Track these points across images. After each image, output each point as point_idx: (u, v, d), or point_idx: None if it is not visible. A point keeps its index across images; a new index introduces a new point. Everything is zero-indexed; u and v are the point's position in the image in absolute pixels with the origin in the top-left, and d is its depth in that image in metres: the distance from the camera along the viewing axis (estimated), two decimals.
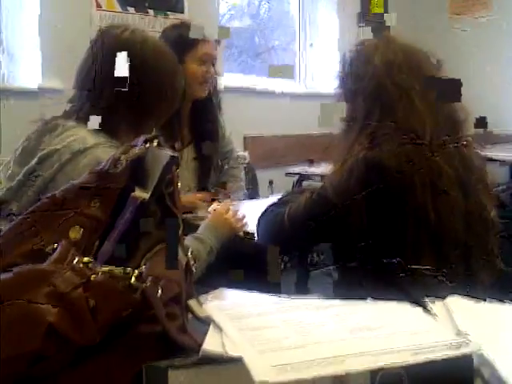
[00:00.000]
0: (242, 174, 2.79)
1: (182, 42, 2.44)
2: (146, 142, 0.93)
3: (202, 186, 2.60)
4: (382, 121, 1.55)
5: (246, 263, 2.15)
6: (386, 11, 5.33)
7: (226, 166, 2.72)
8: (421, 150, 1.52)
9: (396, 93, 1.55)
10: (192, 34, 2.33)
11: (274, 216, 1.72)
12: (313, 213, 1.61)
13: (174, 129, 2.44)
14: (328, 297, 0.91)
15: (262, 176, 3.38)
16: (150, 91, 1.60)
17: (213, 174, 2.65)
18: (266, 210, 1.78)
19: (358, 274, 1.54)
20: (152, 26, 3.78)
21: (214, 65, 2.54)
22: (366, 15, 5.21)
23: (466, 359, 0.67)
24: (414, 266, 1.46)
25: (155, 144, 0.92)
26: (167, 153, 0.89)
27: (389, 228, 1.51)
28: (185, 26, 2.53)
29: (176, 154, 0.92)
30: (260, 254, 2.02)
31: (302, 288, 2.12)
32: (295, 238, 1.69)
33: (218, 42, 2.54)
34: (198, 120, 2.57)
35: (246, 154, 2.84)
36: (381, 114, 1.56)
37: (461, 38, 5.19)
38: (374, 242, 1.51)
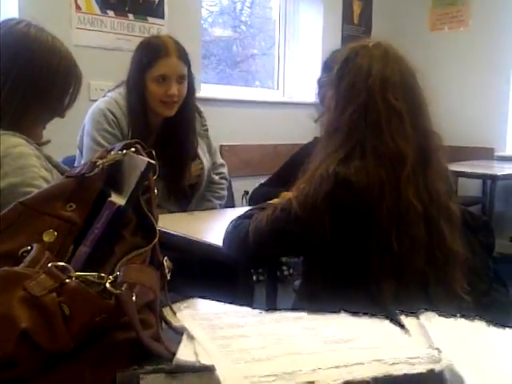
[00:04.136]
0: (223, 192, 2.75)
1: (142, 62, 2.43)
2: (124, 147, 0.93)
3: (179, 207, 2.56)
4: (365, 137, 1.52)
5: (219, 274, 2.16)
6: (369, 22, 5.38)
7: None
8: (395, 178, 1.50)
9: (384, 112, 1.52)
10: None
11: (239, 230, 1.69)
12: (276, 227, 1.59)
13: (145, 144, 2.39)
14: (297, 309, 0.91)
15: (238, 185, 3.39)
16: (33, 86, 1.60)
17: (193, 195, 2.61)
18: (231, 224, 1.76)
19: (325, 287, 1.54)
20: (131, 29, 3.78)
21: (183, 81, 2.46)
22: (349, 23, 5.24)
23: (437, 374, 0.68)
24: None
25: (133, 150, 0.91)
26: (144, 159, 0.89)
27: (351, 247, 1.50)
28: (148, 45, 2.49)
29: (153, 161, 0.92)
30: (233, 265, 2.02)
31: (272, 301, 2.12)
32: (259, 252, 1.67)
33: (182, 58, 2.47)
34: (167, 138, 2.52)
35: (225, 166, 2.81)
36: (364, 130, 1.52)
37: (441, 54, 5.26)
38: (336, 259, 1.51)
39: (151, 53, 2.43)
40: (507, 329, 0.90)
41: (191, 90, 2.52)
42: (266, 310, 0.92)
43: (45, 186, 1.53)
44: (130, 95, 2.47)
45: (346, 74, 1.59)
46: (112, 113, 2.44)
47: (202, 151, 2.62)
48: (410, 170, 1.51)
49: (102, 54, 3.61)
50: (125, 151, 0.91)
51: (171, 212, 2.48)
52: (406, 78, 1.58)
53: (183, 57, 2.46)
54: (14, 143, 1.57)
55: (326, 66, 1.78)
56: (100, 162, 0.90)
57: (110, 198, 0.86)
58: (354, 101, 1.55)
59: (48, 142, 1.76)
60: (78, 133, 2.54)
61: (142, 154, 0.93)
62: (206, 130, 2.68)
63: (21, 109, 1.62)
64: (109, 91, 2.58)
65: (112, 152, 0.94)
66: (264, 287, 2.24)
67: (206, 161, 2.62)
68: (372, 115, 1.53)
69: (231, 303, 1.05)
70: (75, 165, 2.44)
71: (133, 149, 0.93)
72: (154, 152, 0.95)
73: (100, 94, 2.67)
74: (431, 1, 5.42)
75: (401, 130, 1.52)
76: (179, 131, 2.52)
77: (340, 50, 1.71)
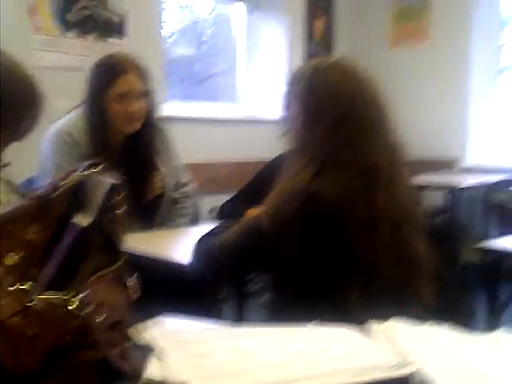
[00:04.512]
0: (187, 210, 2.74)
1: (100, 81, 2.42)
2: (88, 167, 0.92)
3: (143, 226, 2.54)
4: (336, 152, 1.53)
5: (186, 291, 2.15)
6: (331, 39, 5.44)
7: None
8: (367, 187, 1.52)
9: (356, 127, 1.54)
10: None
11: (206, 247, 1.69)
12: (244, 243, 1.59)
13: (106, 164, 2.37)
14: (265, 323, 0.92)
15: (204, 202, 3.38)
16: None
17: (156, 213, 2.60)
18: (199, 241, 1.76)
19: (295, 298, 1.55)
20: (92, 49, 3.76)
21: (143, 99, 2.48)
22: (311, 40, 5.28)
23: (406, 379, 0.69)
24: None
25: (98, 170, 0.91)
26: (108, 180, 0.89)
27: (320, 260, 1.51)
28: (105, 63, 2.49)
29: (117, 181, 0.92)
30: (199, 282, 2.01)
31: (239, 316, 2.12)
32: (227, 269, 1.67)
33: (141, 75, 2.47)
34: (129, 156, 2.51)
35: (191, 184, 2.80)
36: (336, 145, 1.54)
37: (400, 66, 5.34)
38: (306, 273, 1.52)
39: (109, 71, 2.42)
40: (472, 333, 0.92)
41: (151, 106, 2.52)
42: (234, 324, 0.92)
43: (3, 210, 1.52)
44: (89, 115, 2.45)
45: (313, 91, 1.61)
46: (71, 134, 2.42)
47: (162, 164, 2.62)
48: (378, 182, 1.53)
49: (64, 75, 3.58)
50: (87, 172, 0.91)
51: (135, 230, 2.46)
52: (371, 93, 1.61)
53: (142, 73, 2.46)
54: None
55: (290, 84, 1.79)
56: (62, 183, 0.90)
57: (73, 220, 0.85)
58: (324, 116, 1.57)
59: (8, 164, 1.74)
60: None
61: (105, 174, 0.93)
62: (168, 147, 2.66)
63: None
64: (67, 113, 2.56)
65: (75, 173, 0.94)
66: (231, 303, 2.24)
67: (167, 178, 2.61)
68: (344, 129, 1.55)
69: (199, 318, 1.05)
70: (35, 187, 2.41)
71: (96, 169, 0.92)
72: (117, 171, 0.95)
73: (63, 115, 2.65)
74: (391, 18, 5.51)
75: (374, 142, 1.55)
76: (140, 148, 2.51)
77: (302, 67, 1.73)
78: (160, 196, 2.58)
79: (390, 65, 5.30)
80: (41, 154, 2.47)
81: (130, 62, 2.47)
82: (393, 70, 5.24)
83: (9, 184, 1.68)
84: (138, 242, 2.08)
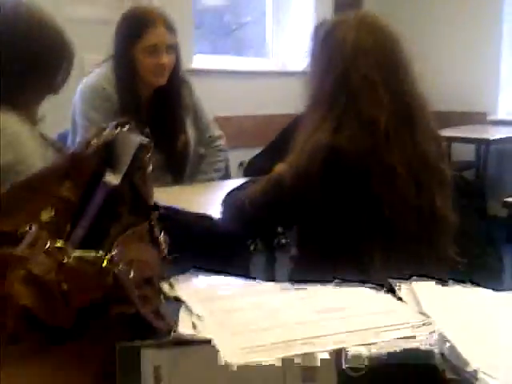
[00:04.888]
0: (221, 164, 2.75)
1: (129, 33, 2.41)
2: (116, 126, 0.94)
3: (174, 179, 2.57)
4: (347, 107, 1.56)
5: (216, 245, 2.18)
6: None
7: (203, 152, 2.70)
8: (377, 144, 1.54)
9: (359, 81, 1.56)
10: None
11: (235, 201, 1.73)
12: (270, 196, 1.63)
13: (136, 118, 2.38)
14: (293, 279, 0.94)
15: (233, 156, 3.40)
16: (27, 65, 1.61)
17: (185, 166, 2.61)
18: (227, 195, 1.80)
19: (319, 255, 1.57)
20: (121, 1, 3.73)
21: (172, 51, 2.46)
22: None
23: (425, 340, 0.70)
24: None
25: (126, 129, 0.93)
26: (137, 138, 0.91)
27: (343, 216, 1.53)
28: (133, 16, 2.48)
29: (146, 140, 0.94)
30: (228, 236, 2.05)
31: (269, 270, 2.15)
32: (255, 221, 1.72)
33: (169, 28, 2.47)
34: (158, 110, 2.52)
35: (223, 138, 2.80)
36: (346, 100, 1.57)
37: (430, 14, 5.23)
38: (328, 228, 1.54)
39: (138, 24, 2.43)
40: (498, 291, 0.93)
41: (178, 59, 2.52)
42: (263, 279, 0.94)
43: (39, 163, 1.55)
44: (118, 68, 2.46)
45: (325, 47, 1.64)
46: (102, 88, 2.44)
47: (189, 119, 2.63)
48: (391, 135, 1.54)
49: (94, 28, 3.58)
50: (118, 130, 0.92)
51: (167, 184, 2.49)
52: (382, 44, 1.61)
53: (170, 26, 2.46)
54: (7, 122, 1.58)
55: (313, 37, 1.80)
56: (94, 141, 0.92)
57: (104, 178, 0.87)
58: (332, 71, 1.60)
59: (43, 117, 1.77)
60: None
61: (134, 132, 0.94)
62: (195, 101, 2.67)
63: (16, 88, 1.63)
64: (96, 66, 2.57)
65: (106, 130, 0.95)
66: (261, 256, 2.27)
67: (191, 132, 2.62)
68: (348, 85, 1.57)
69: (228, 274, 1.07)
70: (68, 142, 2.44)
71: (126, 126, 0.94)
72: (148, 128, 0.97)
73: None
74: None
75: (374, 97, 1.55)
76: (170, 102, 2.53)
77: (323, 22, 1.75)
78: (187, 151, 2.60)
79: (420, 14, 5.19)
80: (73, 109, 2.50)
81: (158, 14, 2.47)
82: (422, 19, 5.14)
83: (44, 137, 1.72)
84: (169, 197, 2.11)
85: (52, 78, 1.70)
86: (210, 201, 2.31)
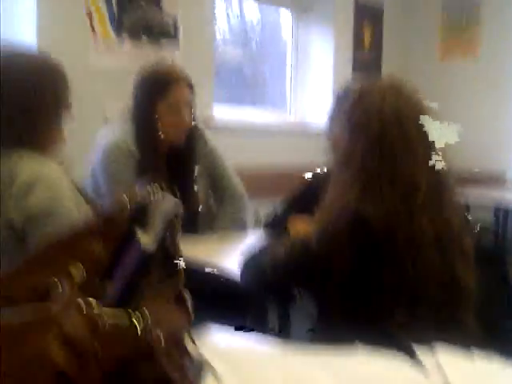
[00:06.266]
0: (244, 216, 2.76)
1: (152, 91, 2.45)
2: (148, 185, 0.96)
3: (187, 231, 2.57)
4: (381, 168, 1.56)
5: (232, 301, 2.18)
6: (379, 48, 5.40)
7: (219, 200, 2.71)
8: (410, 207, 1.53)
9: (401, 143, 1.57)
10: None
11: (256, 264, 1.72)
12: (295, 262, 1.62)
13: (152, 174, 2.39)
14: (313, 339, 0.94)
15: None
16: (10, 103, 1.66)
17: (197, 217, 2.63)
18: (249, 258, 1.78)
19: (340, 315, 1.57)
20: (145, 52, 3.81)
21: (190, 108, 2.50)
22: (360, 50, 5.25)
23: None
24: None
25: (158, 190, 0.95)
26: (171, 199, 0.93)
27: (367, 281, 1.53)
28: (158, 72, 2.52)
29: (177, 200, 0.96)
30: (244, 294, 2.05)
31: (285, 325, 2.15)
32: (278, 286, 1.72)
33: (190, 86, 2.51)
34: (174, 166, 2.54)
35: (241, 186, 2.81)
36: (380, 162, 1.57)
37: (449, 81, 5.29)
38: (352, 293, 1.54)
39: (161, 82, 2.46)
40: None
41: (194, 115, 2.56)
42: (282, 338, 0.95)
43: (72, 207, 1.60)
44: (139, 125, 2.48)
45: (359, 108, 1.64)
46: (127, 144, 2.45)
47: (202, 171, 2.65)
48: (424, 199, 1.54)
49: (118, 77, 3.65)
50: (149, 190, 0.95)
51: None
52: (418, 110, 1.62)
53: (189, 83, 2.51)
54: (44, 166, 1.63)
55: (337, 99, 1.83)
56: (127, 200, 0.94)
57: (136, 237, 0.89)
58: (367, 132, 1.60)
59: (64, 141, 1.81)
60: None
61: (164, 192, 0.96)
62: (210, 148, 2.69)
63: (26, 122, 1.68)
64: (107, 121, 2.62)
65: (137, 190, 0.98)
66: (277, 312, 2.27)
67: (207, 179, 2.65)
68: (386, 146, 1.57)
69: (244, 326, 1.08)
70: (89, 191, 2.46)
71: (158, 187, 0.96)
72: (175, 188, 0.99)
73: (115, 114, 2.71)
74: (440, 29, 5.46)
75: (414, 160, 1.56)
76: (185, 158, 2.56)
77: (352, 87, 1.77)
78: (197, 203, 2.61)
79: (439, 77, 5.26)
80: (93, 165, 2.50)
81: (179, 72, 2.52)
82: (441, 82, 5.20)
83: (74, 183, 1.75)
84: (187, 250, 2.12)
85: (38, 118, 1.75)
86: (225, 253, 2.32)
